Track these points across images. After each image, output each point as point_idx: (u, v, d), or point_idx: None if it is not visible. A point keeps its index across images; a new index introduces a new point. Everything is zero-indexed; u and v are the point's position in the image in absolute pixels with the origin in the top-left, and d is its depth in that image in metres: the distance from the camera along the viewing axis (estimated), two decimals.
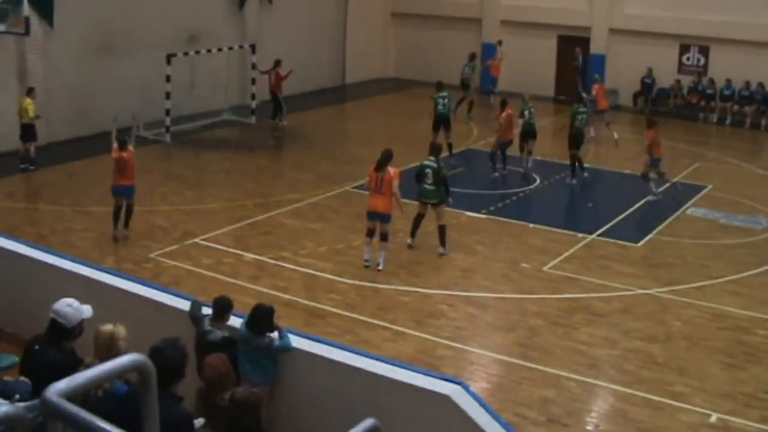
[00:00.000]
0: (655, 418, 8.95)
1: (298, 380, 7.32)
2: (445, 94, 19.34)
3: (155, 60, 20.10)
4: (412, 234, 13.79)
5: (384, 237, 12.86)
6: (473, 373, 9.89)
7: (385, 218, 12.81)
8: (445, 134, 19.10)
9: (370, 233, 12.89)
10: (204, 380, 6.17)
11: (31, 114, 17.54)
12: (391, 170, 12.66)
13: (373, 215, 12.84)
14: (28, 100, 17.58)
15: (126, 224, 13.97)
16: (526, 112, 18.57)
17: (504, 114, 18.00)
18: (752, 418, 8.97)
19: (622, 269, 13.22)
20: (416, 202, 13.70)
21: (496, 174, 18.14)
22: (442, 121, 19.16)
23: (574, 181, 18.05)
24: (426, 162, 13.54)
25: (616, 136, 20.75)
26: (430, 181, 13.34)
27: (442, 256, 13.50)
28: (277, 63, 22.25)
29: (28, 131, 17.65)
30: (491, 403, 7.24)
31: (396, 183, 12.62)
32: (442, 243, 13.60)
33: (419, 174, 13.53)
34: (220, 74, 22.96)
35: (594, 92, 22.23)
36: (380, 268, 12.77)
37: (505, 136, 18.03)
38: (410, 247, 13.75)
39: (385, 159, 12.81)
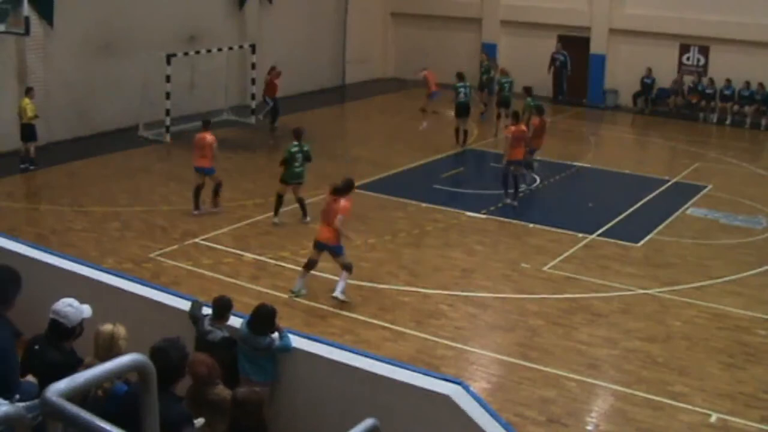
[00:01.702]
0: (655, 418, 8.94)
1: (298, 380, 7.30)
2: (466, 83, 20.63)
3: (155, 60, 20.09)
4: (276, 212, 14.66)
5: (345, 267, 11.57)
6: (473, 373, 9.89)
7: (333, 250, 11.57)
8: (464, 121, 20.52)
9: (309, 264, 11.74)
10: (194, 377, 6.18)
11: (30, 114, 17.50)
12: (343, 201, 11.43)
13: (320, 245, 11.65)
14: (27, 100, 17.55)
15: (213, 200, 15.11)
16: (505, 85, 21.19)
17: (513, 127, 16.13)
18: (752, 418, 8.97)
19: (622, 269, 13.22)
20: (282, 185, 14.58)
21: (508, 201, 16.19)
22: (463, 109, 20.38)
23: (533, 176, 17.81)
24: (294, 148, 14.45)
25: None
26: (298, 164, 14.43)
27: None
28: (272, 69, 22.28)
29: (27, 131, 17.61)
30: (491, 403, 7.23)
31: (341, 217, 11.30)
32: (305, 213, 14.62)
33: (289, 159, 14.38)
34: (220, 74, 22.98)
35: (424, 76, 24.12)
36: (335, 294, 11.46)
37: (511, 153, 15.99)
38: (276, 224, 14.50)
39: (345, 188, 11.68)
